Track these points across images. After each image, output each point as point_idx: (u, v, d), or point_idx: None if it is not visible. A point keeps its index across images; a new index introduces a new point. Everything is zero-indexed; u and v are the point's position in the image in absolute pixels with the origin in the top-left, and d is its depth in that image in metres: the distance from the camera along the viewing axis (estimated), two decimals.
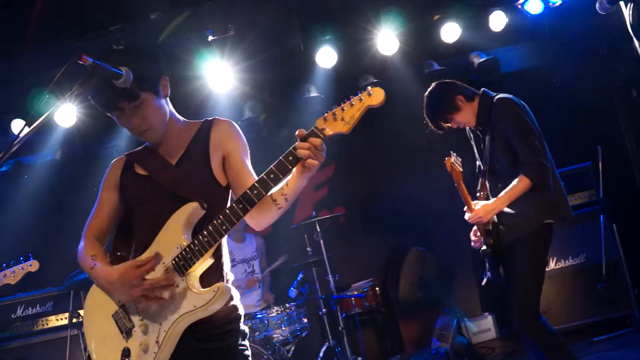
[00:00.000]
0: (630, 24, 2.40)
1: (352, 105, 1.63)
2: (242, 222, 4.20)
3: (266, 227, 1.90)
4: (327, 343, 4.15)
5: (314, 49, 4.46)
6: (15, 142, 1.62)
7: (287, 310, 4.01)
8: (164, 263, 1.76)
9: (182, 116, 1.98)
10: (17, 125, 4.26)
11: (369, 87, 1.64)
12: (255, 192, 1.65)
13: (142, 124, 1.82)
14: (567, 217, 2.93)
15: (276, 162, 1.65)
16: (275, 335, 3.91)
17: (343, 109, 1.64)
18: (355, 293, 4.43)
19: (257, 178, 1.70)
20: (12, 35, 3.48)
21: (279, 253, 4.80)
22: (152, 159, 1.89)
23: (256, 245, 4.78)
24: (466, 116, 3.02)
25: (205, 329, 1.76)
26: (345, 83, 5.03)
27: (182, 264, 1.72)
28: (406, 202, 5.05)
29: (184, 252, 1.72)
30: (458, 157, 2.99)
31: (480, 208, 2.91)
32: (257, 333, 3.92)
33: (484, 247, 2.96)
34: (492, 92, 3.03)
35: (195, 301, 1.68)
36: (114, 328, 1.79)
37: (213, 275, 1.80)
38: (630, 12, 2.53)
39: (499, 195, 2.89)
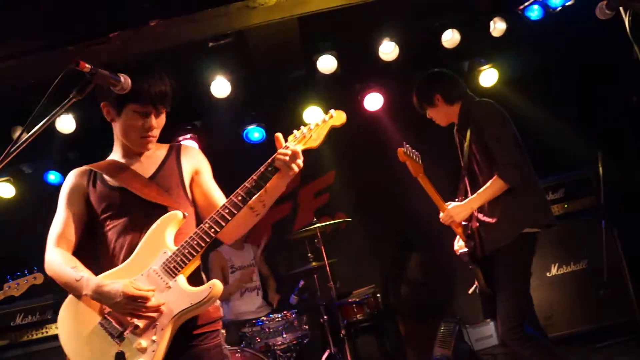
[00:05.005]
0: (629, 29, 2.40)
1: (318, 125, 1.92)
2: None
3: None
4: (328, 350, 4.13)
5: (314, 55, 4.46)
6: (13, 149, 1.62)
7: (288, 318, 3.98)
8: (152, 268, 1.85)
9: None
10: (17, 132, 4.27)
11: (332, 110, 1.93)
12: (240, 198, 1.83)
13: (155, 132, 1.98)
14: (550, 225, 2.86)
15: (257, 171, 1.85)
16: (276, 343, 3.88)
17: (311, 128, 1.91)
18: (357, 300, 4.41)
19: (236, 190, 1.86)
20: (11, 40, 3.49)
21: (279, 260, 4.80)
22: (124, 172, 1.98)
23: (253, 254, 4.77)
24: (439, 114, 3.10)
25: (194, 327, 1.88)
26: (346, 89, 5.04)
27: (173, 266, 1.82)
28: (407, 208, 5.04)
29: (173, 256, 1.83)
30: (414, 150, 2.99)
31: (452, 208, 2.91)
32: (258, 340, 3.89)
33: (464, 250, 2.94)
34: (474, 97, 3.05)
35: (191, 298, 1.79)
36: (103, 335, 1.83)
37: (195, 277, 1.91)
38: (629, 18, 2.53)
39: (472, 196, 2.89)
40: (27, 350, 4.32)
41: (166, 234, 1.87)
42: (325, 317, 4.13)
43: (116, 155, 2.06)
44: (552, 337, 4.26)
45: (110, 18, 3.50)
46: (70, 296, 1.91)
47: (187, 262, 1.82)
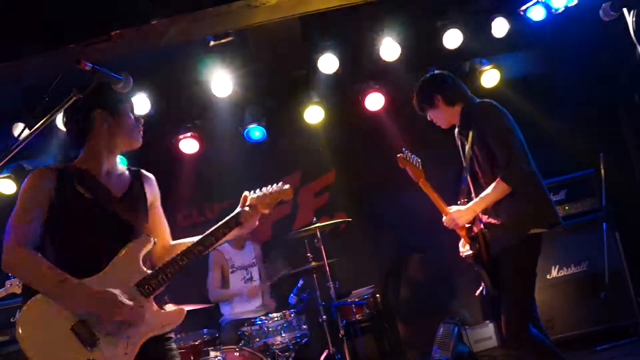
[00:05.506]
0: (633, 29, 2.39)
1: (271, 194, 2.20)
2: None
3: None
4: (327, 350, 4.12)
5: (316, 55, 4.46)
6: (14, 146, 1.63)
7: (287, 317, 3.97)
8: (127, 285, 1.96)
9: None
10: (18, 129, 4.27)
11: (282, 185, 2.21)
12: (208, 242, 2.07)
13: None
14: (555, 224, 2.86)
15: (224, 221, 2.11)
16: (274, 342, 3.87)
17: (265, 195, 2.20)
18: (356, 300, 4.41)
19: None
20: (13, 39, 3.49)
21: (279, 259, 4.78)
22: (96, 185, 2.03)
23: (254, 253, 4.76)
24: (440, 115, 3.07)
25: (157, 337, 2.03)
26: (347, 89, 5.03)
27: (147, 288, 1.98)
28: (407, 208, 5.02)
29: (148, 278, 1.98)
30: (413, 156, 2.98)
31: (454, 212, 2.90)
32: (257, 340, 3.88)
33: (468, 253, 2.93)
34: (476, 98, 3.03)
35: (162, 320, 2.01)
36: (74, 341, 1.84)
37: (158, 301, 2.09)
38: (634, 18, 2.52)
39: (475, 200, 2.88)
40: None
41: (140, 257, 2.01)
42: (324, 317, 4.12)
43: (87, 166, 2.07)
44: (553, 339, 4.23)
45: (112, 16, 3.49)
46: (35, 299, 1.89)
47: (161, 286, 2.00)
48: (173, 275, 2.01)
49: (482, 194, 2.85)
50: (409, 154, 2.97)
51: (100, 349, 1.84)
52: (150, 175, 2.25)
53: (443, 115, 3.07)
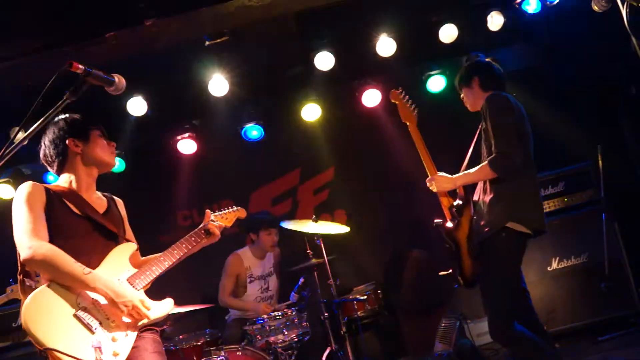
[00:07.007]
0: (627, 21, 2.39)
1: (230, 212, 2.65)
2: (267, 244, 4.55)
3: None
4: (329, 347, 4.12)
5: (311, 52, 4.45)
6: (8, 150, 1.62)
7: (289, 315, 3.97)
8: (119, 280, 2.21)
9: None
10: (15, 133, 4.26)
11: (237, 207, 2.69)
12: (184, 245, 2.38)
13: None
14: (540, 229, 2.83)
15: (195, 231, 2.43)
16: (276, 341, 3.88)
17: (225, 214, 2.64)
18: (357, 296, 4.41)
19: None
20: (9, 43, 3.49)
21: (281, 257, 4.79)
22: (82, 202, 2.26)
23: (273, 261, 4.73)
24: (470, 97, 3.10)
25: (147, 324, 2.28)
26: (344, 86, 5.03)
27: (138, 282, 2.24)
28: (407, 203, 5.03)
29: (136, 275, 2.25)
30: (410, 100, 2.99)
31: (438, 176, 2.92)
32: (259, 338, 3.88)
33: (448, 225, 2.93)
34: (503, 92, 3.02)
35: (157, 310, 2.25)
36: (78, 326, 2.04)
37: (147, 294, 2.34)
38: (627, 10, 2.51)
39: (459, 174, 2.91)
40: (29, 351, 4.32)
41: (128, 259, 2.29)
42: (325, 314, 4.12)
43: (69, 187, 2.28)
44: (554, 331, 4.26)
45: (106, 18, 3.49)
46: (40, 289, 2.03)
47: (149, 280, 2.26)
48: (157, 272, 2.27)
49: (468, 171, 2.88)
50: (406, 95, 2.97)
51: (103, 331, 2.06)
52: (119, 199, 2.55)
53: (473, 97, 3.08)
